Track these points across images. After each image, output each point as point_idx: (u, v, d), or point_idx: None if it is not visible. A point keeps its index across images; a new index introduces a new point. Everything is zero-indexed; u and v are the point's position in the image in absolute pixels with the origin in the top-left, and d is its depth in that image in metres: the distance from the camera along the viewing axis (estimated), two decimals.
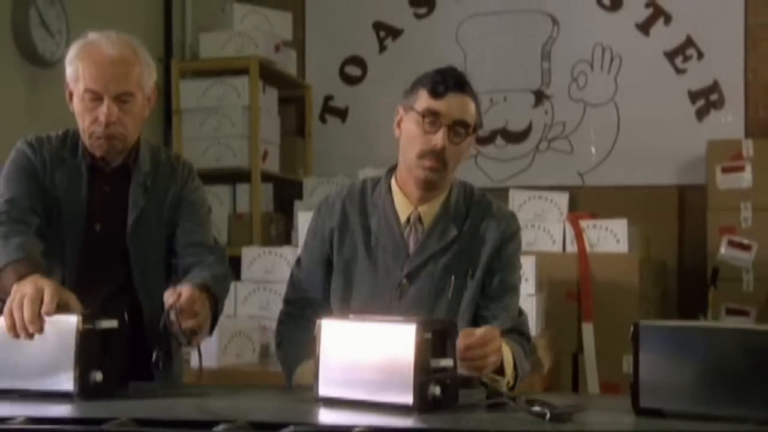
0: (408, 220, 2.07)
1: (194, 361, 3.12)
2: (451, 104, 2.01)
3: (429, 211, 2.07)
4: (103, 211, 2.13)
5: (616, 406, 1.61)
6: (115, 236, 2.12)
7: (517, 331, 2.04)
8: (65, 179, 2.11)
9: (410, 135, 2.03)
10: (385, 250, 2.06)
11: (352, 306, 2.05)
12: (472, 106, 2.06)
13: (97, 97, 2.04)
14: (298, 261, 2.20)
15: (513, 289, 2.09)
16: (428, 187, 2.05)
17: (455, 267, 2.04)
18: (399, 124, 2.08)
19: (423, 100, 2.02)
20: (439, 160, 2.01)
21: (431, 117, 2.00)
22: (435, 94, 2.01)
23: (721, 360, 1.42)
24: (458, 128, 2.02)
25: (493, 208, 2.11)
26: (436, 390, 1.56)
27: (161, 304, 1.88)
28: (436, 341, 1.59)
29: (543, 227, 3.74)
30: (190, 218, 2.17)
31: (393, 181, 2.11)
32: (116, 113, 2.04)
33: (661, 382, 1.47)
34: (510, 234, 2.09)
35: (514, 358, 1.91)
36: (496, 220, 2.08)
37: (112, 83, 2.04)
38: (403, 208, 2.08)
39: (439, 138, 1.99)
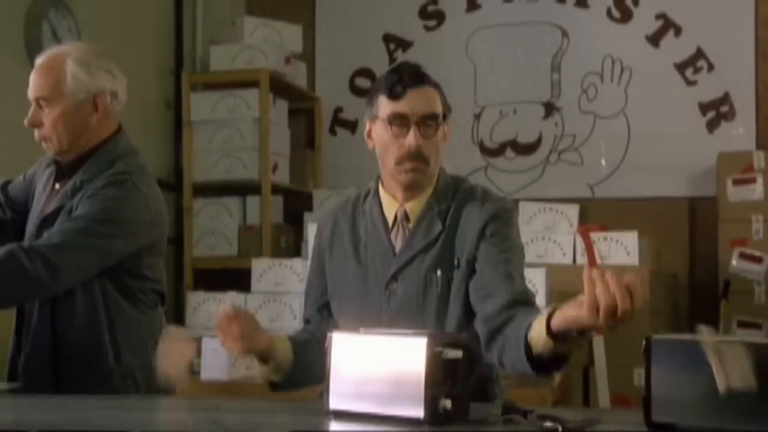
0: (395, 219, 2.04)
1: (204, 373, 3.15)
2: (413, 101, 1.96)
3: (415, 207, 2.03)
4: (48, 206, 2.28)
5: (628, 420, 1.60)
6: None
7: (521, 302, 1.89)
8: (44, 177, 2.34)
9: (383, 143, 2.00)
10: (373, 254, 2.04)
11: (346, 313, 2.04)
12: (435, 96, 2.01)
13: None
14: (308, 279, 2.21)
15: (506, 261, 1.95)
16: (415, 188, 2.03)
17: (441, 261, 1.99)
18: (369, 135, 2.05)
19: (384, 105, 1.98)
20: (418, 160, 1.97)
21: (398, 120, 1.97)
22: (394, 95, 1.97)
23: None
24: (428, 122, 1.97)
25: (477, 195, 2.05)
26: (447, 403, 1.55)
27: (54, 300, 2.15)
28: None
29: (553, 239, 3.73)
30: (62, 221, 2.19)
31: (380, 186, 2.09)
32: (35, 117, 2.25)
33: (674, 397, 1.46)
34: (492, 214, 2.00)
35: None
36: (479, 205, 2.01)
37: (31, 89, 2.27)
38: (390, 208, 2.05)
39: (411, 138, 1.95)
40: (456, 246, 2.00)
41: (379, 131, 2.01)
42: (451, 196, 2.05)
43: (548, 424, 1.49)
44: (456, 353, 1.59)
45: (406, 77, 1.97)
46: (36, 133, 2.27)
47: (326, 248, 2.12)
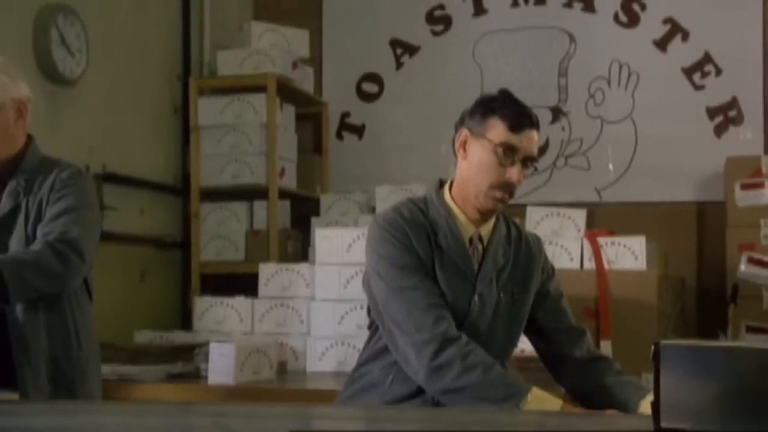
0: (470, 240, 2.11)
1: (211, 377, 3.14)
2: (527, 140, 2.07)
3: (486, 231, 2.14)
4: None
5: (637, 426, 1.60)
6: None
7: (576, 329, 2.27)
8: None
9: (482, 163, 2.05)
10: (455, 267, 2.07)
11: None
12: (537, 141, 2.13)
13: None
14: (407, 287, 2.04)
15: (562, 295, 2.31)
16: (491, 215, 2.13)
17: (509, 285, 2.13)
18: (464, 146, 2.09)
19: (500, 131, 2.05)
20: (509, 193, 2.07)
21: (509, 151, 2.04)
22: (515, 128, 2.04)
23: (745, 380, 1.40)
24: (528, 163, 2.08)
25: (521, 227, 2.26)
26: None
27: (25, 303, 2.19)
28: None
29: (560, 244, 3.72)
30: (48, 215, 2.27)
31: (450, 201, 2.12)
32: None
33: (684, 402, 1.45)
34: (545, 252, 2.28)
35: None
36: (531, 239, 2.24)
37: None
38: (466, 227, 2.11)
39: (515, 172, 2.04)
40: (521, 273, 2.16)
41: (482, 150, 2.06)
42: (506, 225, 2.20)
43: None
44: None
45: (530, 116, 2.10)
46: None
47: (411, 247, 2.05)
